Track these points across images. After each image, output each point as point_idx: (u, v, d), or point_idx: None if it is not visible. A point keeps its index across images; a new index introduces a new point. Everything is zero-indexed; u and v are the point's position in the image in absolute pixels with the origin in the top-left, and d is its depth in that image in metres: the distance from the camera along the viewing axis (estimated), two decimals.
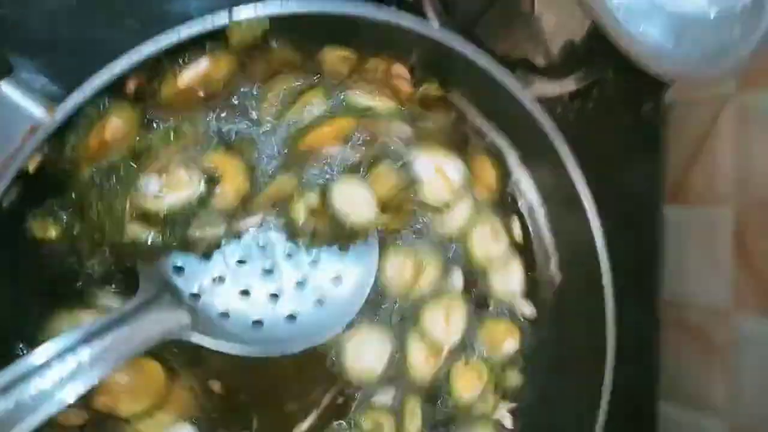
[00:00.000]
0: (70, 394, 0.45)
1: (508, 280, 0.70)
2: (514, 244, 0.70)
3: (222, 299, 0.56)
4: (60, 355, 0.45)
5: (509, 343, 0.70)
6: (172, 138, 0.52)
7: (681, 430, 0.90)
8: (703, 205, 0.90)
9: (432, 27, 0.60)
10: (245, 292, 0.57)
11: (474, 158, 0.68)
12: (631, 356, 0.87)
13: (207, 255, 0.56)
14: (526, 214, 0.70)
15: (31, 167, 0.46)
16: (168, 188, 0.52)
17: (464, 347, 0.67)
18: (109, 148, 0.50)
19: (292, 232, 0.58)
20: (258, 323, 0.57)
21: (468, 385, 0.67)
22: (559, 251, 0.69)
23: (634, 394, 0.89)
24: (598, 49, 0.79)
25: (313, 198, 0.58)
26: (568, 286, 0.70)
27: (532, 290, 0.71)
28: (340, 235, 0.59)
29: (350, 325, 0.61)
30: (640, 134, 0.90)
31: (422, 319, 0.66)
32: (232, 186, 0.55)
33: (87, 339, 0.46)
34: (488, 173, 0.69)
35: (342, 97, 0.60)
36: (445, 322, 0.66)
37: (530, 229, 0.70)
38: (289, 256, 0.59)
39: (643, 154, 0.91)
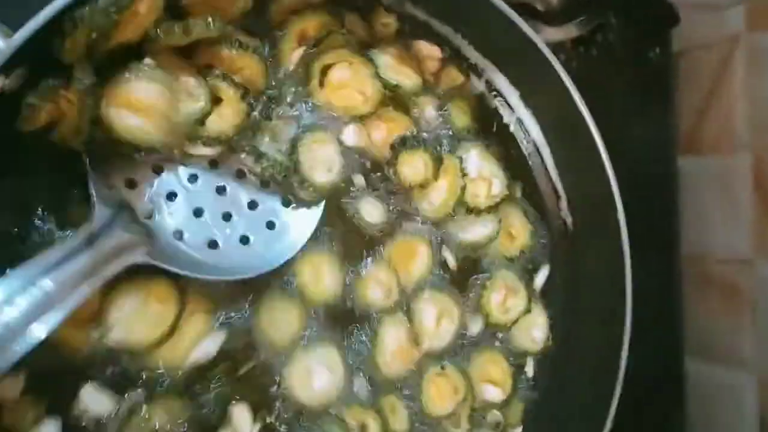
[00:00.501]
0: (41, 329, 0.43)
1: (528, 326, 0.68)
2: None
3: (175, 218, 0.56)
4: (23, 289, 0.43)
5: (492, 390, 0.66)
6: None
7: (709, 385, 0.87)
8: (720, 153, 0.87)
9: None
10: (198, 212, 0.57)
11: None
12: (652, 313, 0.85)
13: (158, 169, 0.56)
14: (529, 154, 0.66)
15: None
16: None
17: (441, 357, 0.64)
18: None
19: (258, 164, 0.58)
20: (213, 245, 0.57)
21: (440, 395, 0.64)
22: (568, 191, 0.66)
23: (658, 353, 0.86)
24: None
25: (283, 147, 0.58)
26: (582, 231, 0.66)
27: (546, 234, 0.68)
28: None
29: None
30: (649, 82, 0.87)
31: (414, 308, 0.63)
32: (231, 111, 0.55)
33: (47, 270, 0.44)
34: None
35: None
36: (436, 322, 0.63)
37: (533, 170, 0.67)
38: (240, 176, 0.59)
39: (653, 104, 0.88)
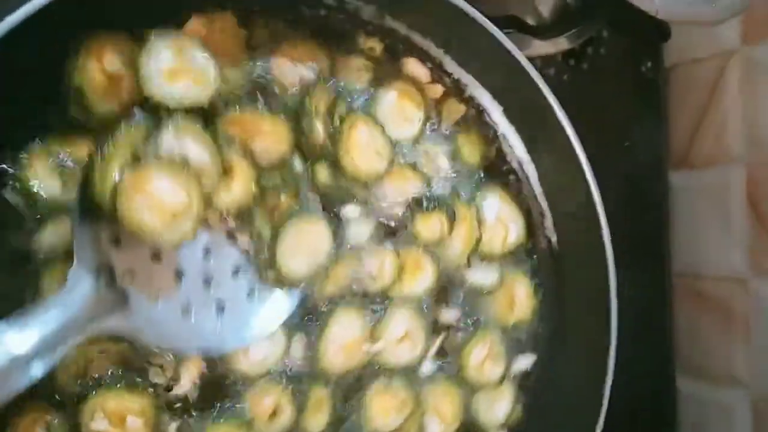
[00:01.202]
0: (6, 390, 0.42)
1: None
2: None
3: (156, 281, 0.53)
4: None
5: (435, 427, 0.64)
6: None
7: (701, 405, 0.86)
8: (713, 168, 0.86)
9: None
10: (179, 275, 0.53)
11: None
12: (643, 330, 0.84)
13: None
14: (517, 170, 0.65)
15: None
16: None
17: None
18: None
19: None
20: (186, 311, 0.53)
21: (382, 410, 0.62)
22: (553, 210, 0.65)
23: (649, 370, 0.85)
24: (590, 6, 0.76)
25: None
26: (567, 249, 0.65)
27: (530, 253, 0.66)
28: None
29: None
30: (640, 96, 0.86)
31: (389, 315, 0.62)
32: (240, 186, 0.54)
33: (21, 327, 0.43)
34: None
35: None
36: (399, 339, 0.62)
37: (522, 188, 0.66)
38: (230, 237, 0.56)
39: (645, 118, 0.87)
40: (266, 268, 0.56)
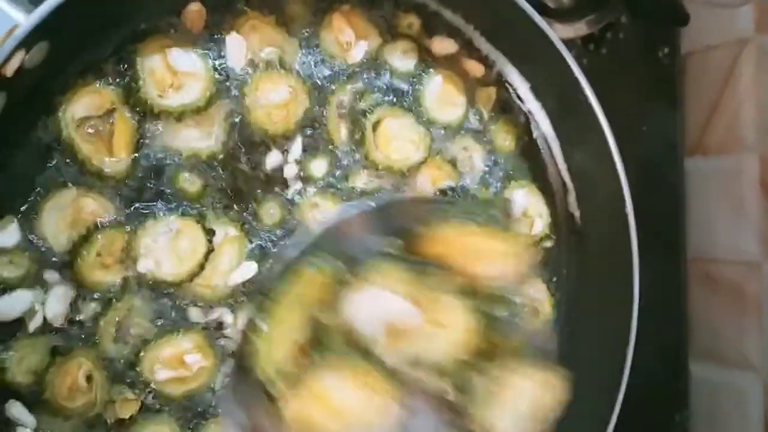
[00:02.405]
0: None
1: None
2: None
3: None
4: None
5: None
6: None
7: (713, 388, 0.86)
8: (727, 154, 0.86)
9: None
10: None
11: None
12: (657, 313, 0.84)
13: None
14: (542, 146, 0.66)
15: (9, 71, 0.43)
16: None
17: None
18: None
19: None
20: None
21: None
22: (577, 185, 0.65)
23: (663, 353, 0.86)
24: None
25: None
26: (590, 225, 0.66)
27: (553, 231, 0.67)
28: None
29: None
30: (657, 82, 0.87)
31: None
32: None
33: None
34: None
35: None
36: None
37: (545, 159, 0.66)
38: None
39: (661, 104, 0.88)
40: None
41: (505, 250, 0.45)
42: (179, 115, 0.52)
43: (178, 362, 0.53)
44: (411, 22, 0.61)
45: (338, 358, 0.40)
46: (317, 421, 0.40)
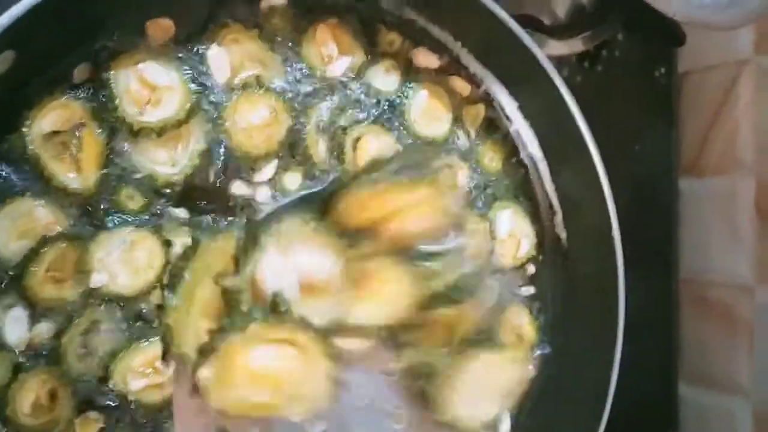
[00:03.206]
0: None
1: None
2: None
3: None
4: None
5: None
6: None
7: (703, 411, 0.86)
8: (722, 176, 0.86)
9: None
10: None
11: None
12: (648, 335, 0.84)
13: None
14: (529, 166, 0.66)
15: None
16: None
17: None
18: None
19: None
20: None
21: None
22: (564, 206, 0.65)
23: (652, 375, 0.85)
24: (607, 8, 0.77)
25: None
26: (576, 247, 0.66)
27: (539, 252, 0.67)
28: None
29: None
30: (653, 101, 0.87)
31: None
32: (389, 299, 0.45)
33: None
34: None
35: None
36: None
37: (532, 179, 0.66)
38: None
39: (656, 123, 0.87)
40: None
41: (427, 200, 0.43)
42: (160, 130, 0.51)
43: (151, 369, 0.53)
44: (392, 39, 0.61)
45: (250, 323, 0.38)
46: (242, 393, 0.39)
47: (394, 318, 0.42)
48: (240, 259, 0.40)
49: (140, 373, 0.52)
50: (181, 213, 0.54)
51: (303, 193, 0.46)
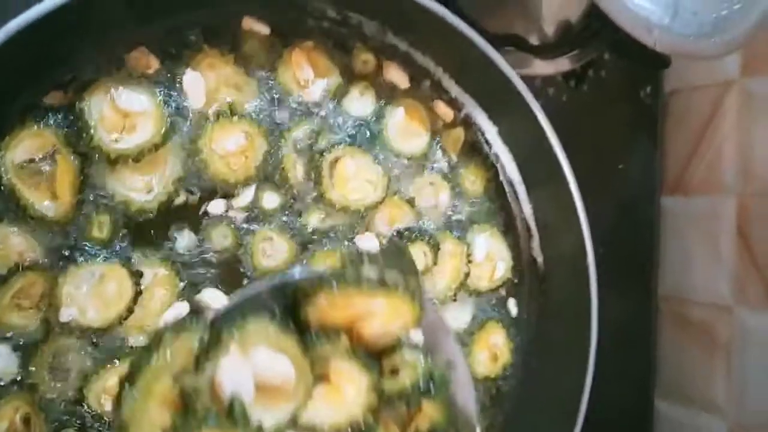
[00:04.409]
0: None
1: None
2: None
3: None
4: None
5: None
6: None
7: (678, 429, 0.87)
8: (704, 196, 0.86)
9: None
10: None
11: None
12: (626, 351, 0.85)
13: None
14: (507, 190, 0.66)
15: None
16: None
17: None
18: None
19: None
20: None
21: None
22: (541, 231, 0.66)
23: (629, 391, 0.86)
24: (594, 29, 0.77)
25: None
26: (552, 270, 0.66)
27: (515, 275, 0.67)
28: None
29: None
30: (638, 120, 0.87)
31: None
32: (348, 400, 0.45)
33: None
34: None
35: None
36: None
37: (510, 203, 0.66)
38: None
39: (641, 142, 0.88)
40: None
41: (389, 307, 0.44)
42: (137, 156, 0.52)
43: None
44: (367, 59, 0.61)
45: (203, 428, 0.38)
46: None
47: (350, 419, 0.42)
48: (201, 358, 0.40)
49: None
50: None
51: (270, 284, 0.45)
